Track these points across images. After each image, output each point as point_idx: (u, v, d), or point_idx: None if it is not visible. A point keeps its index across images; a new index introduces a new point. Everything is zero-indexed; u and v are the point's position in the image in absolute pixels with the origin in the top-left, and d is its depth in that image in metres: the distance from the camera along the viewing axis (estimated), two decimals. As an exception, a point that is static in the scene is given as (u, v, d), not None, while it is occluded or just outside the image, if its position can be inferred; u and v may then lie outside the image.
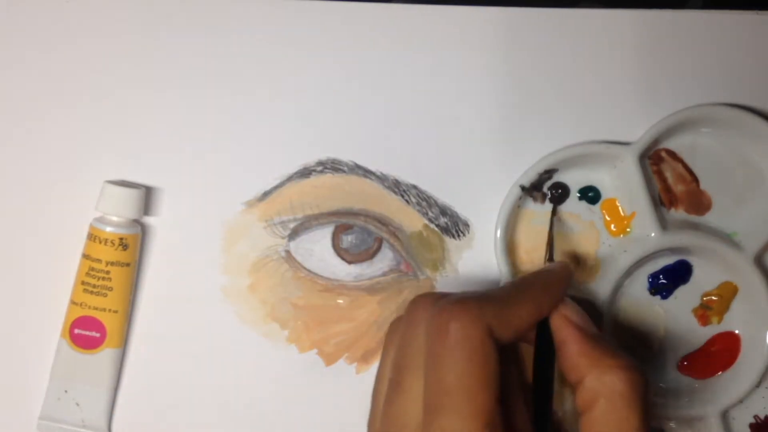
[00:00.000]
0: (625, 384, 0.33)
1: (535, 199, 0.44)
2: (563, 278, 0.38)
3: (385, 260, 0.44)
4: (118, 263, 0.42)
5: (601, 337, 0.35)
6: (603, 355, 0.34)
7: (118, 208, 0.42)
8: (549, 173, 0.43)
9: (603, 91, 0.44)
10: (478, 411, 0.31)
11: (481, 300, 0.34)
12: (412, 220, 0.44)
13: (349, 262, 0.44)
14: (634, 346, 0.44)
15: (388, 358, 0.36)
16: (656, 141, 0.43)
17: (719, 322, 0.44)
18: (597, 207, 0.44)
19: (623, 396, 0.33)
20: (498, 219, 0.43)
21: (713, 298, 0.44)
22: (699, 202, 0.44)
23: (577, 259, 0.44)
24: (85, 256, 0.42)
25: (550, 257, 0.42)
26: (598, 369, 0.33)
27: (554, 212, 0.43)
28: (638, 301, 0.44)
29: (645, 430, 0.33)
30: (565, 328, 0.35)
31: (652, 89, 0.44)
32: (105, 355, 0.43)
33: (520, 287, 0.36)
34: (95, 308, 0.42)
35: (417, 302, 0.36)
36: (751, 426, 0.44)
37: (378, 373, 0.37)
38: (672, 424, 0.44)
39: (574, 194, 0.44)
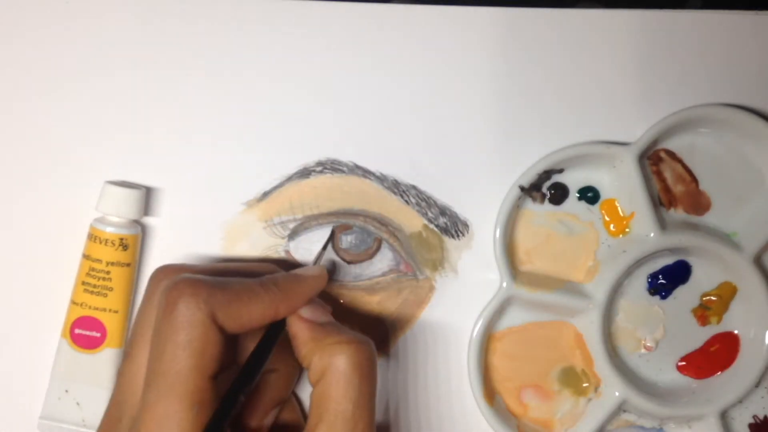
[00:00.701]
0: (346, 356, 0.35)
1: (534, 200, 0.44)
2: (312, 286, 0.38)
3: (384, 260, 0.44)
4: (118, 263, 0.42)
5: (331, 322, 0.38)
6: (326, 335, 0.36)
7: (119, 209, 0.42)
8: (548, 173, 0.43)
9: (602, 91, 0.44)
10: (186, 392, 0.33)
11: (214, 286, 0.35)
12: (411, 221, 0.44)
13: (349, 262, 0.44)
14: (633, 347, 0.44)
15: (143, 315, 0.38)
16: (655, 141, 0.43)
17: (718, 322, 0.44)
18: (596, 207, 0.44)
19: (343, 367, 0.35)
20: (497, 219, 0.43)
21: (712, 298, 0.44)
22: (698, 203, 0.44)
23: (572, 262, 0.44)
24: (86, 257, 0.42)
25: (315, 261, 0.43)
26: (321, 349, 0.36)
27: (332, 236, 0.43)
28: (637, 301, 0.44)
29: (367, 393, 0.35)
30: (296, 323, 0.37)
31: (651, 89, 0.44)
32: (105, 355, 0.43)
33: (263, 287, 0.37)
34: (95, 308, 0.42)
35: (156, 273, 0.38)
36: (751, 426, 0.44)
37: (133, 327, 0.39)
38: (671, 424, 0.44)
39: (574, 194, 0.44)
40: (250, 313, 0.36)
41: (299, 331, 0.37)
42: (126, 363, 0.38)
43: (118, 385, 0.38)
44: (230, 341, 0.36)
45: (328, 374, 0.35)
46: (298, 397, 0.44)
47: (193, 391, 0.33)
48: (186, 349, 0.34)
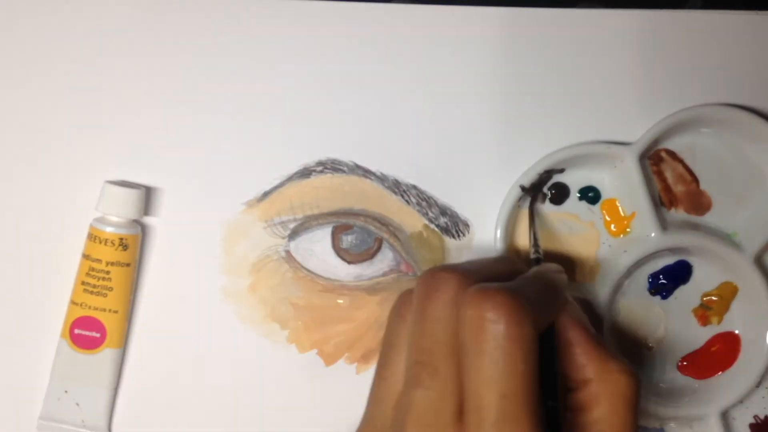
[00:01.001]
0: (628, 388, 0.34)
1: (534, 200, 0.44)
2: (563, 278, 0.38)
3: (385, 260, 0.44)
4: (118, 263, 0.42)
5: (601, 339, 0.36)
6: (608, 359, 0.35)
7: (118, 209, 0.42)
8: (549, 173, 0.43)
9: (603, 91, 0.44)
10: (532, 413, 0.30)
11: (522, 296, 0.31)
12: (412, 221, 0.44)
13: (349, 263, 0.44)
14: (633, 347, 0.44)
15: (397, 332, 0.35)
16: (656, 141, 0.43)
17: (719, 322, 0.44)
18: (597, 207, 0.44)
19: (626, 399, 0.34)
20: (498, 219, 0.43)
21: (713, 298, 0.44)
22: (699, 203, 0.44)
23: (572, 262, 0.44)
24: (85, 257, 0.42)
25: (537, 254, 0.41)
26: (603, 372, 0.34)
27: (532, 205, 0.41)
28: (638, 302, 0.44)
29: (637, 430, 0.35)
30: (572, 328, 0.35)
31: (652, 89, 0.44)
32: (105, 355, 0.43)
33: (546, 287, 0.35)
34: (95, 308, 0.42)
35: (438, 278, 0.33)
36: (751, 426, 0.44)
37: (383, 346, 0.35)
38: (672, 424, 0.44)
39: (574, 194, 0.44)
40: (547, 317, 0.34)
41: (575, 337, 0.35)
42: (432, 378, 0.32)
43: (415, 400, 0.32)
44: None
45: (606, 403, 0.34)
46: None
47: (536, 411, 0.31)
48: (523, 368, 0.30)
